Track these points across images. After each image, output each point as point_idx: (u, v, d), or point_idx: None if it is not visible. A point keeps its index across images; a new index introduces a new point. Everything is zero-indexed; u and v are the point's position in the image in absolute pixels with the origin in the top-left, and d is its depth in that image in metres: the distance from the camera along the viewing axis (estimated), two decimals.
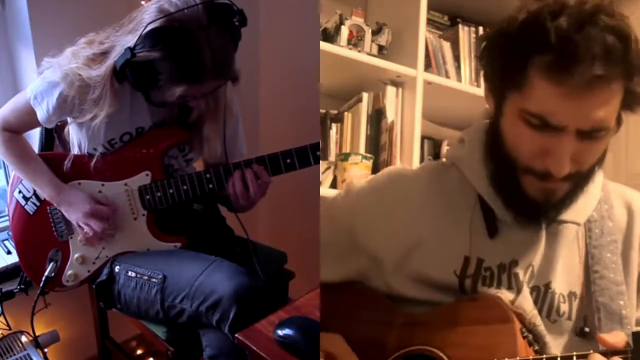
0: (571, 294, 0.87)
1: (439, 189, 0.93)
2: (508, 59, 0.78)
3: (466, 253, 0.87)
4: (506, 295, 0.85)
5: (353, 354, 0.83)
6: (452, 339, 0.83)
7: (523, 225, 0.85)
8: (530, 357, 0.76)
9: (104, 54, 1.25)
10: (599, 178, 0.89)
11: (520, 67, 0.76)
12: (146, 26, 1.16)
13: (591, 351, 0.70)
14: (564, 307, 0.86)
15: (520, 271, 0.86)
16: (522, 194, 0.81)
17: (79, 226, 1.39)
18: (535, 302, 0.86)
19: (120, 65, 1.20)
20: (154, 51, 1.17)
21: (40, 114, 1.32)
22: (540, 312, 0.85)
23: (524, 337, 0.80)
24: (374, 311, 0.93)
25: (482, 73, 0.85)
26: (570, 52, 0.71)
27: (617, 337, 0.71)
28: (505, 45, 0.78)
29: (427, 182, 0.95)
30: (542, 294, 0.86)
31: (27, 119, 1.36)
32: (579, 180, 0.81)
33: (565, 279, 0.87)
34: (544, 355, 0.75)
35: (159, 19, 1.16)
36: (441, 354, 0.83)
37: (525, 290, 0.85)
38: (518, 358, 0.76)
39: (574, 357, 0.71)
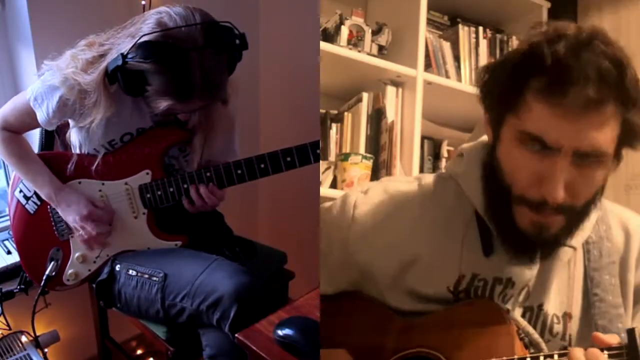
0: (566, 315, 0.87)
1: (436, 202, 0.92)
2: (507, 84, 0.79)
3: (461, 270, 0.87)
4: (501, 305, 0.86)
5: None
6: (450, 340, 0.83)
7: (517, 255, 0.84)
8: (527, 356, 0.76)
9: (102, 57, 1.25)
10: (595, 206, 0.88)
11: (518, 90, 0.77)
12: (141, 37, 1.17)
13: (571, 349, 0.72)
14: (558, 328, 0.87)
15: (513, 292, 0.86)
16: (514, 226, 0.80)
17: (75, 228, 1.39)
18: (528, 321, 0.86)
19: (112, 70, 1.20)
20: (145, 63, 1.17)
21: (41, 116, 1.32)
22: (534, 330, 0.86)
23: (521, 339, 0.81)
24: (371, 316, 0.93)
25: (481, 103, 0.85)
26: (565, 74, 0.73)
27: (611, 339, 0.73)
28: (505, 71, 0.80)
29: (424, 197, 0.94)
30: (534, 314, 0.87)
31: (27, 119, 1.36)
32: (573, 218, 0.80)
33: (560, 300, 0.87)
34: (541, 354, 0.76)
35: (155, 32, 1.17)
36: (440, 355, 0.83)
37: (516, 309, 0.86)
38: (516, 356, 0.77)
39: (555, 356, 0.73)
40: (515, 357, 0.77)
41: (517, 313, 0.86)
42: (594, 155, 0.76)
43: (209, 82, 1.20)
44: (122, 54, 1.18)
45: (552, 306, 0.87)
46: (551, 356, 0.74)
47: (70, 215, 1.38)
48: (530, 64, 0.76)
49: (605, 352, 0.70)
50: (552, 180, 0.76)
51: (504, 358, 0.77)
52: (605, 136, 0.75)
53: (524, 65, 0.77)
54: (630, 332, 0.69)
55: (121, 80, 1.21)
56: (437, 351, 0.83)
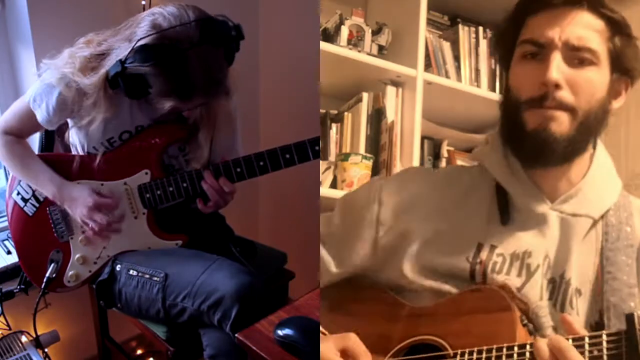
0: (580, 291, 0.88)
1: (457, 183, 0.98)
2: (510, 22, 0.94)
3: (480, 240, 0.90)
4: (513, 282, 0.87)
5: (368, 354, 0.84)
6: (454, 328, 0.85)
7: (535, 162, 0.89)
8: (527, 343, 0.77)
9: (100, 56, 1.25)
10: (611, 173, 0.93)
11: (521, 21, 0.91)
12: (138, 41, 1.17)
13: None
14: (575, 302, 0.87)
15: (533, 261, 0.88)
16: (524, 131, 0.87)
17: (84, 222, 1.38)
18: (551, 294, 0.87)
19: (112, 76, 1.21)
20: (143, 66, 1.17)
21: (40, 115, 1.32)
22: (555, 304, 0.87)
23: (524, 326, 0.81)
24: (378, 305, 0.95)
25: (498, 60, 1.00)
26: None
27: (581, 329, 0.75)
28: (510, 17, 0.94)
29: (446, 179, 1.00)
30: (557, 284, 0.88)
31: (28, 122, 1.37)
32: (579, 122, 0.86)
33: (580, 275, 0.88)
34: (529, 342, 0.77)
35: (150, 35, 1.17)
36: (443, 342, 0.84)
37: (534, 280, 0.87)
38: (516, 343, 0.77)
39: (527, 345, 0.75)
40: (515, 344, 0.77)
41: (541, 286, 0.87)
42: (584, 49, 0.85)
43: (209, 77, 1.21)
44: (120, 60, 1.19)
45: (574, 278, 0.88)
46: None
47: (77, 209, 1.37)
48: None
49: (604, 337, 0.70)
50: (548, 69, 0.84)
51: (504, 345, 0.78)
52: (590, 33, 0.86)
53: (523, 3, 0.91)
54: (629, 317, 0.69)
55: (123, 85, 1.21)
56: (442, 338, 0.85)
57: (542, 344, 0.73)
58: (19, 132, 1.42)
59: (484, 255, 0.89)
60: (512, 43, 0.92)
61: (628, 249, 0.88)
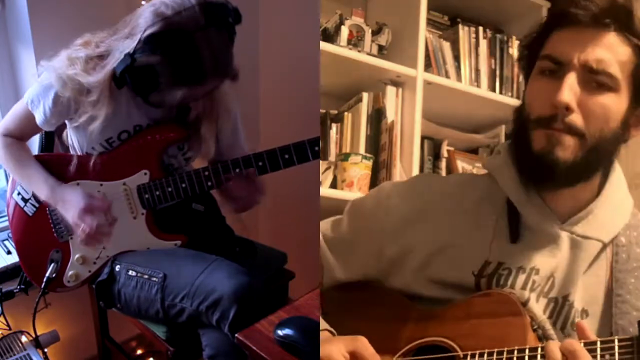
0: (587, 312, 0.88)
1: (468, 196, 0.96)
2: (536, 33, 0.90)
3: (487, 257, 0.89)
4: (518, 295, 0.86)
5: (377, 357, 0.84)
6: (464, 330, 0.85)
7: (541, 182, 0.87)
8: (538, 346, 0.77)
9: (101, 57, 1.25)
10: (625, 197, 0.92)
11: (547, 34, 0.88)
12: (144, 31, 1.16)
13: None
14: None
15: (538, 279, 0.87)
16: (531, 151, 0.85)
17: (75, 224, 1.38)
18: (552, 314, 0.87)
19: (120, 72, 1.20)
20: (153, 56, 1.17)
21: (39, 117, 1.32)
22: (555, 324, 0.86)
23: (534, 331, 0.81)
24: (388, 307, 0.95)
25: (521, 69, 0.95)
26: (577, 4, 0.84)
27: (592, 335, 0.75)
28: (537, 28, 0.91)
29: (456, 192, 0.98)
30: (559, 305, 0.87)
31: (27, 124, 1.37)
32: (587, 149, 0.83)
33: (586, 296, 0.87)
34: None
35: (156, 23, 1.16)
36: (453, 344, 0.84)
37: (540, 299, 0.87)
38: (527, 346, 0.77)
39: (539, 349, 0.75)
40: (527, 347, 0.77)
41: (542, 303, 0.86)
42: (602, 73, 0.81)
43: (218, 59, 1.21)
44: (128, 54, 1.18)
45: (579, 300, 0.87)
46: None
47: (70, 211, 1.37)
48: (554, 13, 0.89)
49: (617, 342, 0.71)
50: (561, 90, 0.81)
51: (515, 347, 0.78)
52: (612, 58, 0.82)
53: (550, 16, 0.89)
54: None
55: (130, 81, 1.21)
56: (451, 340, 0.85)
57: (555, 347, 0.73)
58: (19, 135, 1.42)
59: (490, 270, 0.89)
60: (535, 55, 0.89)
61: (638, 271, 0.87)
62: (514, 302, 0.83)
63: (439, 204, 0.97)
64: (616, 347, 0.70)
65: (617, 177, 0.92)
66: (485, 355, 0.79)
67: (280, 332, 1.06)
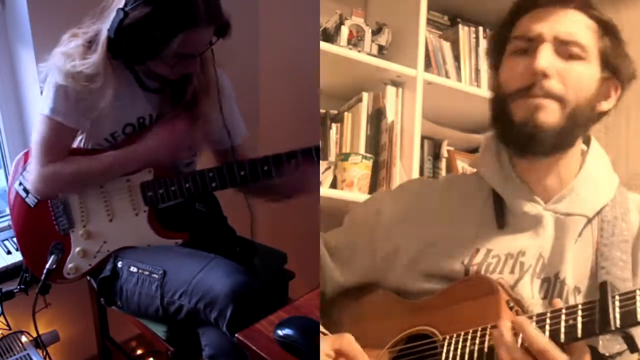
0: (579, 289, 0.88)
1: (455, 192, 1.00)
2: (502, 25, 0.95)
3: (476, 245, 0.91)
4: (507, 280, 0.88)
5: (364, 354, 0.86)
6: (447, 317, 0.87)
7: (524, 153, 0.89)
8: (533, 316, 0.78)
9: (91, 42, 1.27)
10: (607, 172, 0.94)
11: (513, 22, 0.93)
12: None
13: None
14: (572, 301, 0.87)
15: (526, 260, 0.89)
16: (512, 123, 0.87)
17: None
18: (546, 294, 0.88)
19: (115, 31, 1.21)
20: (145, 6, 1.19)
21: (69, 120, 1.29)
22: (550, 303, 0.86)
23: (511, 308, 0.82)
24: (378, 303, 0.97)
25: (488, 64, 0.99)
26: None
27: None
28: (502, 20, 0.96)
29: (444, 188, 1.02)
30: (552, 284, 0.88)
31: (62, 136, 1.32)
32: (568, 114, 0.86)
33: (576, 274, 0.89)
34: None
35: None
36: (435, 331, 0.86)
37: (526, 279, 0.88)
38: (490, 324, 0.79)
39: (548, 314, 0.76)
40: (489, 324, 0.79)
41: (536, 285, 0.88)
42: (574, 44, 0.86)
43: (209, 2, 1.23)
44: (120, 8, 1.20)
45: (571, 277, 0.88)
46: (530, 317, 0.77)
47: (165, 150, 1.36)
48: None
49: (580, 307, 0.73)
50: (537, 58, 0.85)
51: (489, 324, 0.80)
52: (580, 30, 0.87)
53: (517, 3, 0.93)
54: (602, 285, 0.72)
55: (126, 46, 1.22)
56: (434, 327, 0.87)
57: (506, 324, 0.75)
58: (57, 155, 1.33)
59: (479, 258, 0.90)
60: (503, 45, 0.93)
61: (623, 244, 0.88)
62: (489, 282, 0.85)
63: (426, 202, 1.00)
64: (579, 311, 0.72)
65: (596, 152, 0.94)
66: (462, 335, 0.82)
67: (280, 332, 1.06)
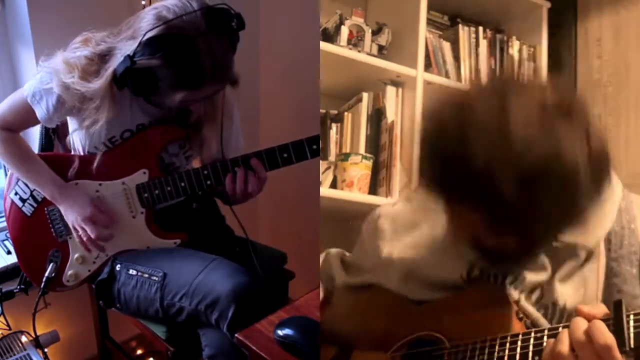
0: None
1: None
2: None
3: (470, 259, 0.89)
4: (511, 294, 0.86)
5: None
6: (454, 323, 0.86)
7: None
8: (519, 333, 0.78)
9: (102, 57, 1.25)
10: (615, 191, 0.89)
11: None
12: (145, 34, 1.17)
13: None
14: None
15: (525, 287, 0.86)
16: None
17: (74, 228, 1.39)
18: (545, 316, 0.86)
19: (120, 73, 1.20)
20: (153, 59, 1.17)
21: (40, 112, 1.32)
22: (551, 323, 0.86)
23: (520, 319, 0.81)
24: (385, 304, 0.97)
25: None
26: None
27: (596, 309, 0.73)
28: None
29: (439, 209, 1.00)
30: (550, 310, 0.86)
31: (26, 116, 1.35)
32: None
33: (580, 293, 0.86)
34: (532, 330, 0.77)
35: (157, 26, 1.17)
36: (442, 337, 0.85)
37: (528, 300, 0.86)
38: (509, 334, 0.78)
39: (560, 328, 0.74)
40: (509, 334, 0.78)
41: (528, 301, 0.86)
42: None
43: (218, 64, 1.21)
44: (128, 56, 1.18)
45: (572, 301, 0.86)
46: (541, 331, 0.75)
47: (72, 215, 1.38)
48: None
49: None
50: None
51: (499, 335, 0.79)
52: None
53: None
54: (617, 304, 0.69)
55: (130, 83, 1.21)
56: (441, 333, 0.86)
57: (582, 323, 0.71)
58: (17, 127, 1.41)
59: (477, 271, 0.89)
60: None
61: (631, 256, 0.86)
62: (501, 293, 0.84)
63: (424, 223, 0.99)
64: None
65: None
66: (470, 344, 0.81)
67: (280, 332, 1.06)
